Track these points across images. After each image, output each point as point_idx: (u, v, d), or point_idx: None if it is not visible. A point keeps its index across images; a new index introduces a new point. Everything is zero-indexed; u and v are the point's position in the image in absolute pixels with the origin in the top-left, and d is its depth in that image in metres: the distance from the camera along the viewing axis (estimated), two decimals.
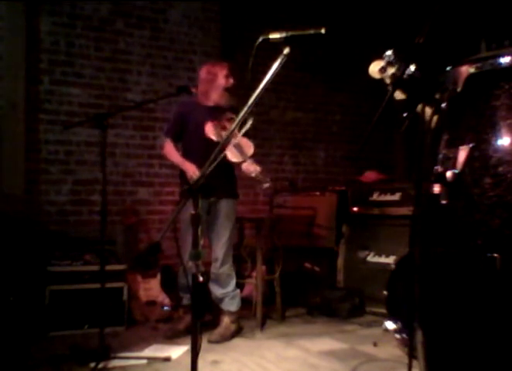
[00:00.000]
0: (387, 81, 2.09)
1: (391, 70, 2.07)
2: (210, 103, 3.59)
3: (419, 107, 1.95)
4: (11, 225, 3.92)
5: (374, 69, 2.11)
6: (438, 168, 1.49)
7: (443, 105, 1.58)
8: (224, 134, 3.39)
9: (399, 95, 1.99)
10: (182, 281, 3.58)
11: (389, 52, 2.08)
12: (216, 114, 3.54)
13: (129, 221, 4.55)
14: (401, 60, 2.06)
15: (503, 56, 1.45)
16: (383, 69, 2.08)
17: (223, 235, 3.54)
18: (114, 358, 2.98)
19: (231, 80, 3.60)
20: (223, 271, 3.54)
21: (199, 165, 3.29)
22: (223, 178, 3.47)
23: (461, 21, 4.18)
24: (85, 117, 4.33)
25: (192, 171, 3.40)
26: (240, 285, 3.77)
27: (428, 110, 1.67)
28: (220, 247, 3.53)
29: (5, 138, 4.23)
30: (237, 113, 3.47)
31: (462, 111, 1.53)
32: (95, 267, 3.57)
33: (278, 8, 5.43)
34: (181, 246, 3.44)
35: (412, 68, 2.01)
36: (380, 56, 2.13)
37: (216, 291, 3.57)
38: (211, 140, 3.41)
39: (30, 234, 4.11)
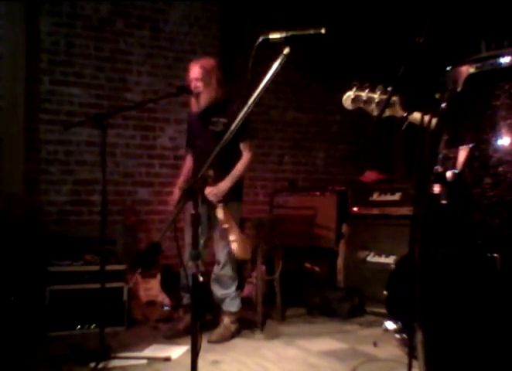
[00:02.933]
0: (374, 111, 2.04)
1: (364, 96, 2.04)
2: (205, 103, 3.53)
3: (416, 115, 1.95)
4: (12, 225, 3.92)
5: (347, 101, 2.08)
6: (438, 168, 1.49)
7: (443, 105, 1.58)
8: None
9: (416, 116, 1.96)
10: (184, 281, 3.59)
11: (357, 83, 2.06)
12: (205, 122, 3.55)
13: (129, 221, 4.55)
14: (371, 85, 2.05)
15: (503, 56, 1.44)
16: (356, 99, 2.06)
17: (225, 236, 3.53)
18: (114, 358, 2.98)
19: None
20: (225, 273, 3.54)
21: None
22: None
23: (461, 21, 4.18)
24: (85, 117, 4.33)
25: (171, 199, 3.71)
26: (240, 285, 3.77)
27: (428, 112, 1.67)
28: (222, 249, 3.53)
29: (5, 138, 4.23)
30: (228, 106, 3.49)
31: (462, 111, 1.53)
32: (95, 267, 3.57)
33: (278, 8, 5.43)
34: (183, 245, 3.48)
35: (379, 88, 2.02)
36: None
37: (217, 291, 3.57)
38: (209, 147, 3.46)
39: (30, 234, 4.11)
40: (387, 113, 2.00)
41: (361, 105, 2.06)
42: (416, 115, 1.95)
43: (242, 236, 3.41)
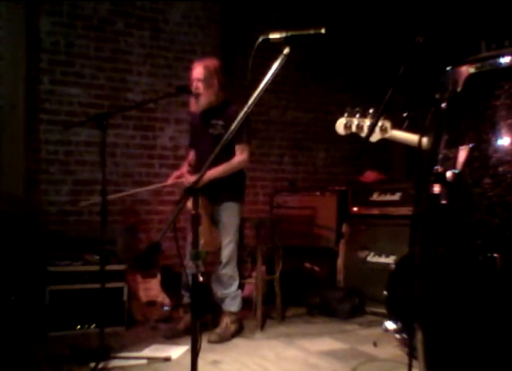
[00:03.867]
0: (363, 133, 2.16)
1: (356, 121, 2.15)
2: (204, 105, 3.53)
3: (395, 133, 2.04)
4: (11, 225, 3.92)
5: (340, 128, 2.20)
6: (438, 168, 1.49)
7: (443, 105, 1.58)
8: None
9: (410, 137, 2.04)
10: (185, 279, 3.59)
11: (348, 109, 2.17)
12: (205, 124, 3.56)
13: (129, 221, 4.55)
14: (361, 112, 2.15)
15: (503, 56, 1.45)
16: (348, 124, 2.15)
17: (225, 237, 3.54)
18: (114, 358, 2.98)
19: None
20: (226, 272, 3.54)
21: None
22: (226, 182, 3.47)
23: (461, 21, 4.18)
24: (85, 117, 4.33)
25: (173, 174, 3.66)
26: (240, 285, 3.77)
27: (428, 111, 1.68)
28: (223, 249, 3.53)
29: (5, 138, 4.23)
30: (227, 108, 3.49)
31: (462, 111, 1.53)
32: (95, 267, 3.57)
33: (278, 7, 5.43)
34: (183, 245, 3.48)
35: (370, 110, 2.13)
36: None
37: (218, 291, 3.57)
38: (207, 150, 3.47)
39: (30, 234, 4.11)
40: (380, 136, 2.10)
41: (354, 130, 2.20)
42: (395, 133, 2.04)
43: (210, 230, 3.42)
